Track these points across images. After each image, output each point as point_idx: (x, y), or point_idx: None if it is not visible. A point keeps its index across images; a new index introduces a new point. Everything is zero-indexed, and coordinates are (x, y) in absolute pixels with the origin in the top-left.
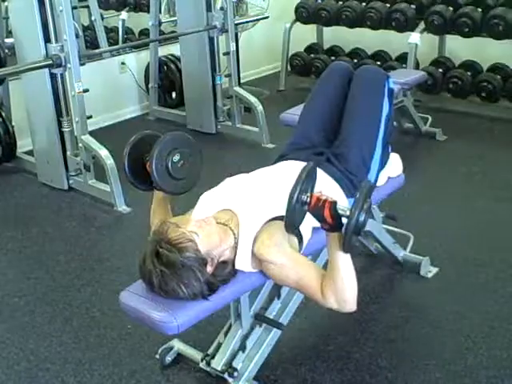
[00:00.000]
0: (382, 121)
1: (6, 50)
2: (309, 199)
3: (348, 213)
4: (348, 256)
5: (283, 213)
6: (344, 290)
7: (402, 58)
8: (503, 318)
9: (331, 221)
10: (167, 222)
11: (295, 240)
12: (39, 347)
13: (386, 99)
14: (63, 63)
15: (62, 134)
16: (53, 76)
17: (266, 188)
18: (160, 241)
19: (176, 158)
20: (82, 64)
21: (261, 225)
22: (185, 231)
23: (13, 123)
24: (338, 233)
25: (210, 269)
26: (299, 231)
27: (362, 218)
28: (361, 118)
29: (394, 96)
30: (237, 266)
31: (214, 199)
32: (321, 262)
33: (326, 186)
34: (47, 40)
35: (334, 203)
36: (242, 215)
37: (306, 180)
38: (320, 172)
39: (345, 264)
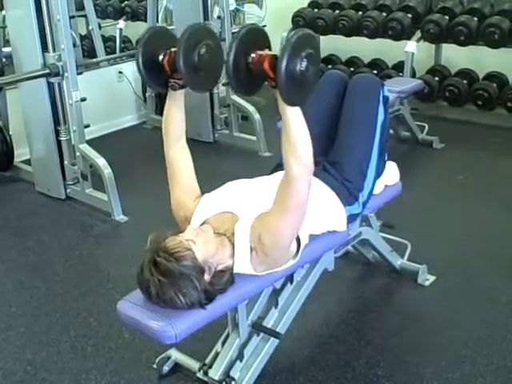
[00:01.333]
0: (378, 128)
1: (4, 59)
2: (252, 56)
3: None
4: (295, 110)
5: None
6: (296, 144)
7: (399, 67)
8: (500, 326)
9: (271, 73)
10: (164, 231)
11: (293, 246)
12: (36, 357)
13: (381, 107)
14: (60, 72)
15: (59, 143)
16: (50, 85)
17: (267, 193)
18: (158, 250)
19: (203, 50)
20: (79, 73)
21: (254, 218)
22: (182, 240)
23: (10, 132)
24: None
25: (207, 277)
26: (298, 236)
27: (295, 64)
28: (356, 125)
29: (391, 104)
30: (237, 269)
31: (215, 201)
32: (320, 268)
33: (323, 195)
34: (45, 49)
35: (274, 55)
36: (242, 216)
37: (249, 37)
38: (316, 181)
39: (292, 118)
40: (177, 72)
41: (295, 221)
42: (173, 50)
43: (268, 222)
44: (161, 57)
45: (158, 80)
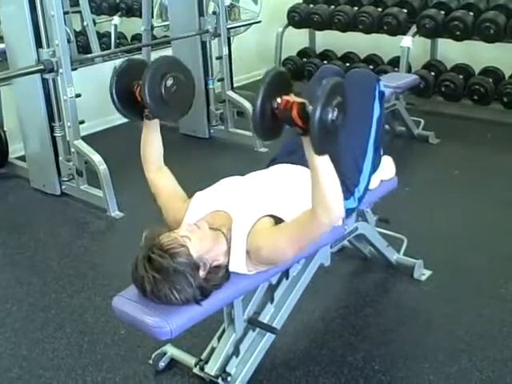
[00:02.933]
0: (374, 123)
1: None
2: (278, 104)
3: None
4: (325, 158)
5: (275, 213)
6: (327, 195)
7: (395, 62)
8: (496, 320)
9: (301, 122)
10: (159, 228)
11: None
12: (31, 353)
13: (376, 102)
14: (55, 68)
15: (54, 139)
16: (45, 81)
17: (260, 190)
18: (152, 246)
19: (169, 82)
20: (73, 69)
21: (253, 222)
22: (177, 236)
23: (5, 128)
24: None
25: (202, 273)
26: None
27: (327, 113)
28: (352, 120)
29: (387, 99)
30: (231, 268)
31: (207, 200)
32: (316, 264)
33: None
34: (39, 45)
35: (302, 103)
36: (235, 216)
37: (275, 84)
38: None
39: (323, 168)
40: None
41: (302, 249)
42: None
43: (273, 240)
44: (134, 87)
45: (133, 110)
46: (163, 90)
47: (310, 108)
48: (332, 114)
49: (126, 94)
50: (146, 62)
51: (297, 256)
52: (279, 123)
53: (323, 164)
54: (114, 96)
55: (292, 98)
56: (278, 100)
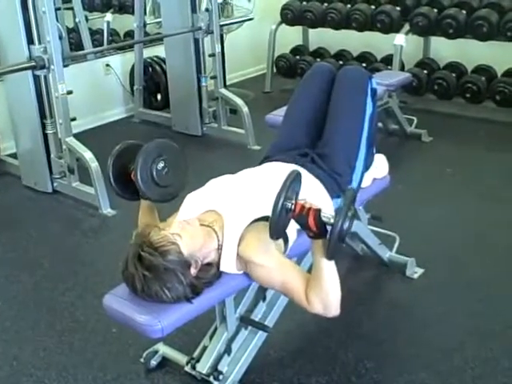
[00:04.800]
0: (366, 121)
1: None
2: (293, 207)
3: (332, 220)
4: (332, 263)
5: (268, 213)
6: (328, 295)
7: (387, 60)
8: (489, 318)
9: (316, 229)
10: (150, 225)
11: (281, 241)
12: (22, 352)
13: (369, 99)
14: (46, 65)
15: (45, 136)
16: (36, 78)
17: (251, 189)
18: (142, 244)
19: (160, 165)
20: (65, 66)
21: (245, 225)
22: (167, 234)
23: None
24: (323, 240)
25: (193, 271)
26: (285, 233)
27: (346, 226)
28: (344, 118)
29: (379, 97)
30: (221, 268)
31: (198, 200)
32: (305, 266)
33: (311, 187)
34: (30, 42)
35: (318, 211)
36: (226, 216)
37: (291, 187)
38: (305, 173)
39: (329, 270)
40: None
41: (285, 294)
42: None
43: (267, 272)
44: (130, 169)
45: (130, 189)
46: (155, 174)
47: (325, 216)
48: (349, 226)
49: (122, 176)
50: (142, 144)
51: (288, 251)
52: (290, 222)
53: (329, 267)
54: (111, 178)
55: (306, 203)
56: (293, 202)
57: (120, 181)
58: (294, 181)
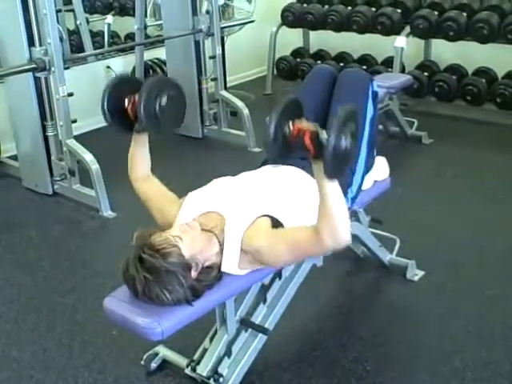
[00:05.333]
0: (367, 123)
1: None
2: (291, 129)
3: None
4: (335, 184)
5: (270, 213)
6: (335, 219)
7: (388, 62)
8: (489, 321)
9: (312, 148)
10: (151, 228)
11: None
12: (22, 354)
13: (370, 101)
14: (47, 67)
15: (46, 138)
16: (37, 80)
17: (252, 191)
18: (143, 246)
19: (164, 100)
20: (66, 68)
21: (247, 225)
22: (168, 236)
23: None
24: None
25: (194, 273)
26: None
27: (341, 141)
28: None
29: (380, 100)
30: (223, 269)
31: (200, 200)
32: (309, 264)
33: (311, 189)
34: (31, 43)
35: (315, 131)
36: (228, 217)
37: (287, 109)
38: (305, 175)
39: (332, 193)
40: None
41: (301, 257)
42: (137, 96)
43: (275, 245)
44: (126, 103)
45: (122, 123)
46: (157, 107)
47: (322, 135)
48: (346, 142)
49: (116, 108)
50: (139, 79)
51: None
52: (290, 146)
53: (333, 189)
54: (105, 110)
55: (304, 124)
56: (291, 126)
57: (114, 114)
58: (289, 103)
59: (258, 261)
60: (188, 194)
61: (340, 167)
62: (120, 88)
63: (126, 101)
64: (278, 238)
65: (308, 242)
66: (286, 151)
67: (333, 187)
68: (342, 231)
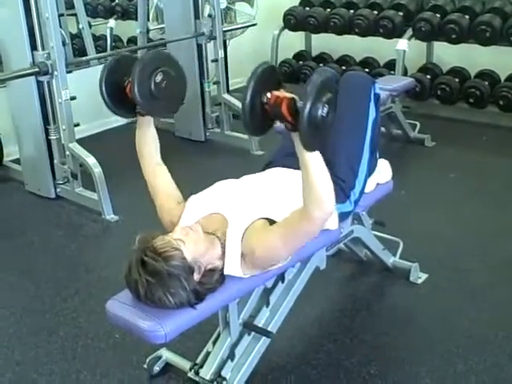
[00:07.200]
0: (369, 126)
1: None
2: (268, 99)
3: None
4: (315, 155)
5: (270, 216)
6: (318, 188)
7: (390, 65)
8: (493, 324)
9: (289, 117)
10: (153, 231)
11: None
12: (25, 358)
13: (372, 104)
14: (50, 71)
15: (49, 141)
16: (39, 84)
17: (255, 194)
18: (145, 249)
19: (159, 77)
20: (69, 72)
21: (247, 225)
22: (171, 239)
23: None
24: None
25: (197, 276)
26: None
27: (316, 110)
28: (347, 123)
29: (383, 103)
30: (226, 271)
31: (203, 203)
32: (311, 267)
33: None
34: (34, 47)
35: (292, 98)
36: (230, 219)
37: (263, 77)
38: None
39: (312, 161)
40: None
41: (295, 247)
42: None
43: (267, 240)
44: (125, 84)
45: (124, 106)
46: (153, 86)
47: (300, 104)
48: (322, 110)
49: (116, 91)
50: (137, 57)
51: (291, 256)
52: (269, 118)
53: (313, 159)
54: (103, 93)
55: (282, 93)
56: (268, 95)
57: (115, 97)
58: (268, 73)
59: (255, 263)
60: (190, 196)
61: (318, 137)
62: (118, 68)
63: (125, 82)
64: (267, 232)
65: (296, 220)
66: (263, 121)
67: (312, 157)
68: (325, 198)
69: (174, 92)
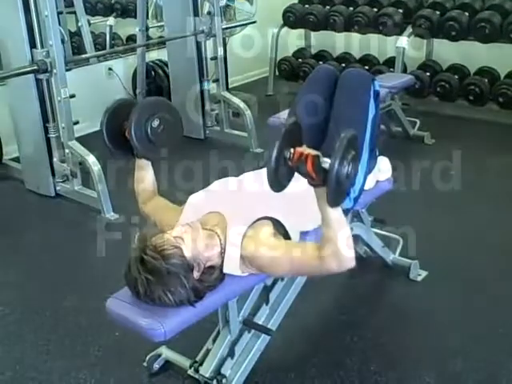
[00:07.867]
0: (369, 123)
1: None
2: (292, 155)
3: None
4: (338, 210)
5: (270, 214)
6: (339, 244)
7: (390, 62)
8: (492, 322)
9: (314, 175)
10: (152, 229)
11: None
12: (25, 356)
13: (372, 101)
14: (49, 69)
15: (48, 140)
16: (38, 82)
17: (254, 192)
18: (145, 247)
19: (155, 123)
20: (68, 69)
21: (248, 225)
22: (170, 237)
23: None
24: (326, 188)
25: (196, 274)
26: (287, 233)
27: (343, 168)
28: (347, 120)
29: (382, 100)
30: (225, 270)
31: (202, 201)
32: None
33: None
34: (33, 45)
35: (316, 156)
36: (229, 218)
37: (288, 136)
38: None
39: (335, 219)
40: None
41: (302, 275)
42: None
43: (275, 257)
44: (124, 127)
45: (124, 147)
46: (149, 131)
47: (324, 161)
48: (348, 169)
49: (116, 134)
50: (135, 101)
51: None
52: (291, 173)
53: (336, 215)
54: (104, 136)
55: (305, 149)
56: (292, 150)
57: (115, 140)
58: (290, 129)
59: (255, 267)
60: (190, 196)
61: (342, 193)
62: (118, 113)
63: (125, 126)
64: (280, 253)
65: (312, 263)
66: (287, 178)
67: (336, 213)
68: (346, 256)
69: (169, 136)
